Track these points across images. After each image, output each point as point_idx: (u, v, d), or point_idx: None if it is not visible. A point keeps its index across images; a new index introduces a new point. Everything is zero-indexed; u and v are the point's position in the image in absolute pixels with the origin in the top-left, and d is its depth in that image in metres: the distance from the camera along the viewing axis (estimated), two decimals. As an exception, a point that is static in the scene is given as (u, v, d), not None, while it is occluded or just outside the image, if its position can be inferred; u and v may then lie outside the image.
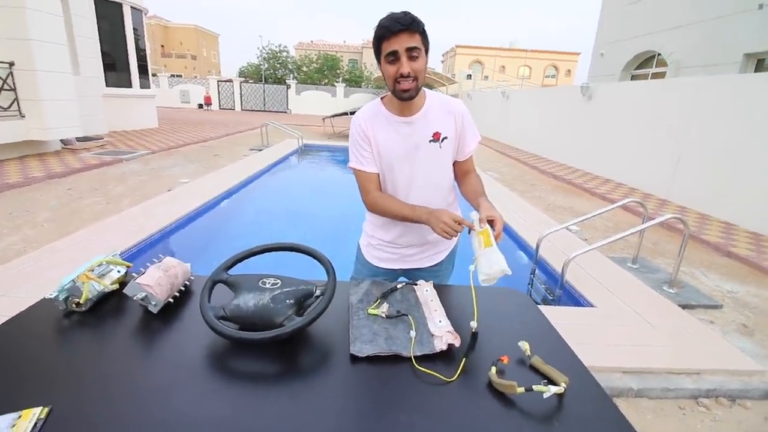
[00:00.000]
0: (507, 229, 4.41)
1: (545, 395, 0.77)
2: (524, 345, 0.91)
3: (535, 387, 0.77)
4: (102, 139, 8.67)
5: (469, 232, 1.16)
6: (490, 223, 1.12)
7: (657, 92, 6.72)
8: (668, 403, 1.93)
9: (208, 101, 25.74)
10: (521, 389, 0.77)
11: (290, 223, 4.84)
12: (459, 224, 1.13)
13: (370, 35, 1.28)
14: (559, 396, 0.79)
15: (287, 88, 26.19)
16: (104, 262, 1.04)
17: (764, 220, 4.66)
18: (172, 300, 1.01)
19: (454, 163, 1.36)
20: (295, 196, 6.19)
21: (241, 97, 26.18)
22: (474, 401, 0.79)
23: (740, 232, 4.71)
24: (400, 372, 0.85)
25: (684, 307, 2.80)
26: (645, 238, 3.79)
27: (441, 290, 1.17)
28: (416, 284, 1.18)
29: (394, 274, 1.50)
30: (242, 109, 26.14)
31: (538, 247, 3.20)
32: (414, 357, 0.87)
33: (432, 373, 0.84)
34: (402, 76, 1.12)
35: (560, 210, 5.59)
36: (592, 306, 2.69)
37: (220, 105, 26.37)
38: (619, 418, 0.77)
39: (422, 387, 0.81)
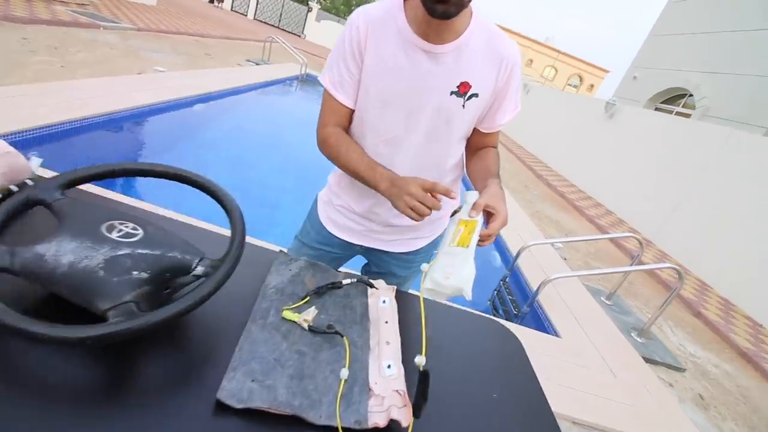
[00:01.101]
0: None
1: None
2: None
3: None
4: (85, -4, 7.61)
5: (452, 215, 0.78)
6: (488, 215, 0.75)
7: (682, 130, 6.39)
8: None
9: (220, -2, 23.61)
10: None
11: (263, 153, 4.31)
12: (436, 198, 0.75)
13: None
14: None
15: (308, 11, 24.26)
16: None
17: (738, 289, 4.55)
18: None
19: (472, 134, 0.95)
20: (280, 125, 5.61)
21: (257, 4, 24.10)
22: None
23: (713, 294, 4.59)
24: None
25: (648, 361, 2.59)
26: (626, 278, 3.56)
27: (406, 303, 0.80)
28: (373, 286, 0.79)
29: (350, 248, 1.10)
30: (255, 18, 24.15)
31: (517, 256, 2.90)
32: (328, 427, 0.51)
33: None
34: None
35: (546, 221, 5.32)
36: (557, 335, 2.43)
37: (232, 6, 24.27)
38: None
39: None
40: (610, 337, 2.63)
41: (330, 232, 1.07)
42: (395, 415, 0.53)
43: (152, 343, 0.54)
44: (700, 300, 4.21)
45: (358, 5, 34.19)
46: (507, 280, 3.01)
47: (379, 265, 1.11)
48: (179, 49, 7.08)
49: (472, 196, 0.77)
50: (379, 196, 0.88)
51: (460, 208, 0.78)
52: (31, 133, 2.42)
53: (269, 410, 0.50)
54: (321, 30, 24.36)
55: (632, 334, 2.88)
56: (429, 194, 0.75)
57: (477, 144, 0.96)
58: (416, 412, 0.52)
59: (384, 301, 0.75)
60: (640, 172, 6.80)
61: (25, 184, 0.70)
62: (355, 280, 0.78)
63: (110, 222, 0.55)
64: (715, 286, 4.82)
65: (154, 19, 8.71)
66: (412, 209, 0.75)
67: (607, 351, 2.41)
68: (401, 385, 0.57)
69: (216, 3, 23.61)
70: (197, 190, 0.65)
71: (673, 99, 10.84)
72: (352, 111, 0.90)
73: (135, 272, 0.50)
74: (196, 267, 0.55)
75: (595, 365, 2.24)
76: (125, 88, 3.64)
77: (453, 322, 0.86)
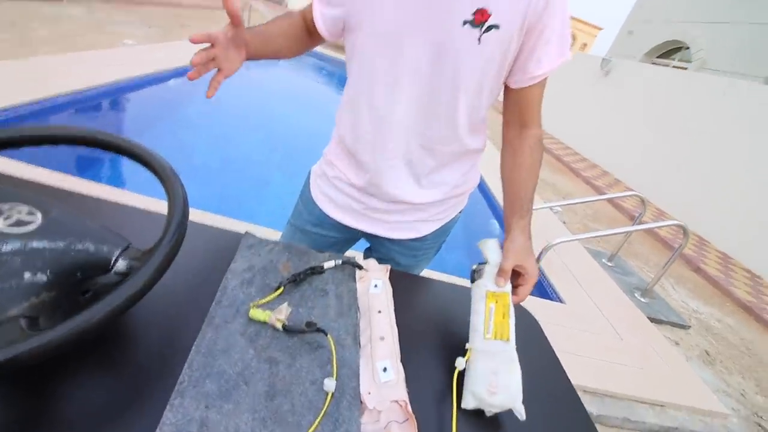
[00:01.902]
0: (485, 192, 3.96)
1: None
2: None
3: None
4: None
5: (472, 278, 0.65)
6: (515, 274, 0.64)
7: (680, 84, 6.19)
8: (625, 437, 1.66)
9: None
10: None
11: (247, 128, 4.08)
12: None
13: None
14: None
15: (287, -24, 23.08)
16: None
17: (737, 243, 4.52)
18: None
19: (505, 93, 0.74)
20: (263, 98, 5.33)
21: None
22: None
23: (711, 249, 4.56)
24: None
25: (653, 320, 2.54)
26: (628, 239, 3.48)
27: (401, 283, 0.67)
28: (360, 267, 0.66)
29: (349, 233, 0.92)
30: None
31: (519, 221, 2.78)
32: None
33: None
34: None
35: (542, 184, 5.20)
36: (561, 301, 2.36)
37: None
38: None
39: None
40: (615, 299, 2.57)
41: (326, 214, 0.90)
42: (395, 430, 0.41)
43: (75, 364, 0.41)
44: (699, 256, 4.17)
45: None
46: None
47: (380, 250, 0.94)
48: (151, 20, 6.65)
49: (493, 248, 0.64)
50: (380, 167, 0.74)
51: (481, 265, 0.64)
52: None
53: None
54: (302, -3, 23.23)
55: (636, 295, 2.82)
56: None
57: (516, 109, 0.74)
58: None
59: (376, 285, 0.62)
60: (636, 130, 6.65)
61: None
62: (340, 262, 0.64)
63: (6, 204, 0.40)
64: (713, 241, 4.78)
65: (122, -9, 8.15)
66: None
67: (613, 314, 2.35)
68: (401, 394, 0.46)
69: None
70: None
71: (669, 53, 10.54)
72: (312, 30, 0.76)
73: (28, 274, 0.36)
74: (116, 262, 0.41)
75: (601, 329, 2.18)
76: (90, 64, 3.37)
77: (457, 300, 0.74)
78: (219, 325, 0.49)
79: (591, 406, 1.66)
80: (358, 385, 0.47)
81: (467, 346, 0.57)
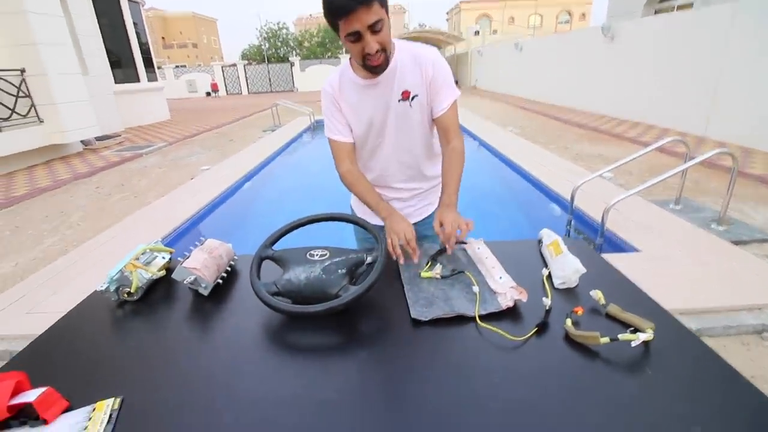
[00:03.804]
0: (536, 183, 4.26)
1: (633, 343, 0.70)
2: (597, 294, 0.85)
3: (621, 336, 0.71)
4: (119, 136, 8.78)
5: (540, 246, 1.13)
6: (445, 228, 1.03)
7: (687, 25, 6.21)
8: (731, 340, 1.85)
9: (215, 88, 25.66)
10: (605, 339, 0.71)
11: (312, 197, 4.82)
12: (412, 248, 1.03)
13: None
14: (646, 344, 0.73)
15: (291, 66, 25.71)
16: (148, 250, 1.02)
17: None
18: (220, 281, 0.99)
19: (435, 122, 1.23)
20: (313, 170, 6.15)
21: (246, 80, 25.93)
22: (552, 357, 0.74)
23: (788, 161, 4.40)
24: (465, 333, 0.81)
25: (736, 243, 2.65)
26: (685, 178, 3.58)
27: (492, 246, 1.11)
28: (465, 242, 1.11)
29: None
30: (249, 92, 25.94)
31: (572, 197, 3.07)
32: (478, 316, 0.82)
33: (501, 332, 0.78)
34: (369, 54, 1.02)
35: (589, 158, 5.36)
36: (636, 251, 2.57)
37: (227, 90, 26.23)
38: (714, 357, 0.71)
39: (492, 347, 0.77)
40: (691, 234, 2.71)
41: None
42: (517, 296, 0.84)
43: (360, 307, 0.89)
44: (774, 172, 4.07)
45: (332, 45, 35.61)
46: (572, 223, 3.17)
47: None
48: (207, 145, 7.95)
49: (546, 233, 1.13)
50: (385, 168, 1.30)
51: (541, 241, 1.15)
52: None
53: (444, 316, 0.82)
54: (308, 77, 25.58)
55: (712, 226, 2.93)
56: (407, 242, 1.03)
57: (441, 131, 1.22)
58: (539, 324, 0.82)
59: (479, 248, 1.07)
60: (664, 78, 6.62)
61: (234, 259, 1.10)
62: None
63: (308, 252, 0.91)
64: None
65: (176, 130, 9.81)
66: (392, 245, 1.02)
67: (691, 247, 2.51)
68: (513, 283, 0.88)
69: (213, 93, 25.61)
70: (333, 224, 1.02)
71: (670, -7, 10.36)
72: (351, 144, 1.26)
73: (339, 271, 0.86)
74: (367, 258, 0.90)
75: (683, 263, 2.35)
76: (189, 196, 4.28)
77: (523, 250, 1.15)
78: (410, 283, 0.95)
79: (690, 323, 1.87)
80: (490, 287, 0.90)
81: (546, 266, 1.01)
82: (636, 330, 0.74)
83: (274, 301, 0.81)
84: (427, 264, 1.02)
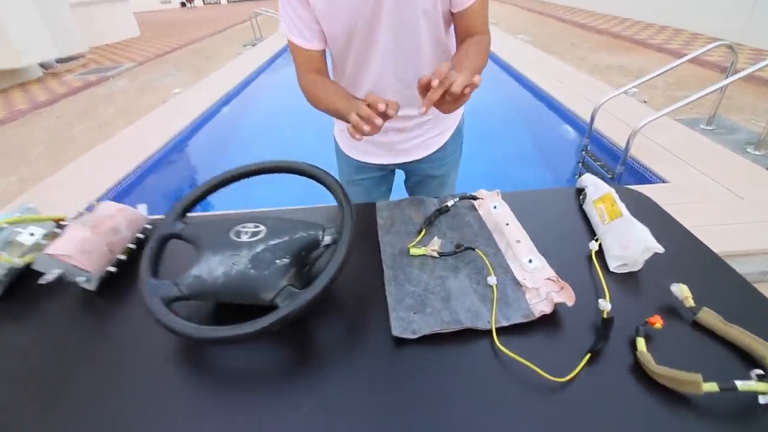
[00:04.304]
0: (549, 100, 3.78)
1: (762, 399, 0.42)
2: (681, 289, 0.55)
3: (740, 385, 0.42)
4: (83, 57, 7.89)
5: (581, 202, 0.79)
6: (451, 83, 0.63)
7: None
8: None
9: (190, -2, 23.07)
10: (711, 386, 0.42)
11: (301, 121, 4.33)
12: (384, 105, 0.61)
13: None
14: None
15: (274, -32, 22.80)
16: (5, 224, 0.69)
17: None
18: (114, 268, 0.67)
19: (454, 22, 0.84)
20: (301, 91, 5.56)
21: (225, -14, 23.18)
22: (615, 410, 0.45)
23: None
24: (474, 360, 0.51)
25: (777, 170, 2.32)
26: (724, 94, 3.11)
27: (512, 200, 0.78)
28: (475, 197, 0.78)
29: (384, 170, 1.12)
30: (228, 1, 23.36)
31: (593, 118, 2.65)
32: (496, 331, 0.53)
33: (532, 366, 0.48)
34: None
35: (608, 71, 4.77)
36: (664, 181, 2.25)
37: (204, 0, 23.61)
38: None
39: (518, 387, 0.48)
40: (723, 161, 2.37)
41: (360, 161, 1.09)
42: (557, 299, 0.54)
43: (316, 310, 0.59)
44: (821, 82, 3.58)
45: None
46: (588, 148, 2.80)
47: (416, 173, 1.13)
48: (181, 64, 7.16)
49: (589, 179, 0.79)
50: (377, 86, 0.88)
51: (582, 192, 0.79)
52: (115, 190, 2.69)
53: (441, 331, 0.53)
54: (294, -19, 22.78)
55: (748, 150, 2.57)
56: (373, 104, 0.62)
57: (461, 33, 0.84)
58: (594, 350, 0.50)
59: (495, 207, 0.74)
60: (701, -33, 5.68)
61: (146, 229, 0.78)
62: (458, 198, 0.77)
63: (235, 229, 0.59)
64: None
65: (147, 48, 8.82)
66: (354, 126, 0.64)
67: (725, 176, 2.19)
68: (550, 273, 0.57)
69: (188, 4, 23.11)
70: (282, 176, 0.67)
71: None
72: (320, 51, 0.85)
73: (278, 261, 0.54)
74: (323, 237, 0.58)
75: (717, 195, 2.05)
76: (159, 122, 3.81)
77: (560, 199, 0.83)
78: (394, 265, 0.64)
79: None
80: (514, 276, 0.60)
81: (597, 236, 0.69)
82: (764, 367, 0.45)
83: (169, 317, 0.50)
84: (419, 233, 0.70)
